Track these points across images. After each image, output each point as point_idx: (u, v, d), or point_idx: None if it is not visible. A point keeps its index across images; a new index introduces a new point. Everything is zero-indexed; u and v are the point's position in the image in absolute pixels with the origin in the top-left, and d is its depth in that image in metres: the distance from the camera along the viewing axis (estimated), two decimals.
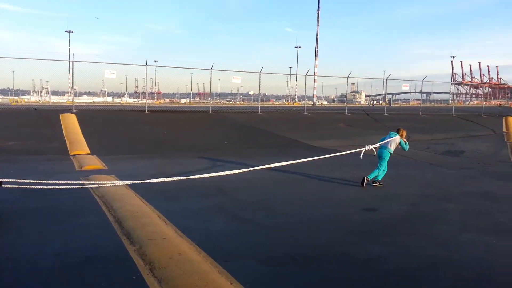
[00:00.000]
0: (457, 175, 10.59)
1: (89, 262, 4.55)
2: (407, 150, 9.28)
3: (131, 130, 17.70)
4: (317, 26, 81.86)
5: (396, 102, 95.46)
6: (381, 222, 6.40)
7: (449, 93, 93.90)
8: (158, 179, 7.23)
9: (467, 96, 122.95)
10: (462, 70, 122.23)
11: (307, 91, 34.08)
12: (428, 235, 5.75)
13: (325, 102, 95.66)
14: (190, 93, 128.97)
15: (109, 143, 15.25)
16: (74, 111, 19.73)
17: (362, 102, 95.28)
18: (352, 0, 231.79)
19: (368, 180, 8.85)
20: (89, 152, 13.66)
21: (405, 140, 9.16)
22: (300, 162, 8.88)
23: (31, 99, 68.63)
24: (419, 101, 48.14)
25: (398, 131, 9.16)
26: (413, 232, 5.89)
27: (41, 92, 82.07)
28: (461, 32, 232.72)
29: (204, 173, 8.95)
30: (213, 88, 25.68)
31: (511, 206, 7.33)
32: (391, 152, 9.01)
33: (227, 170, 7.87)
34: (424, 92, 45.97)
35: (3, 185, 5.61)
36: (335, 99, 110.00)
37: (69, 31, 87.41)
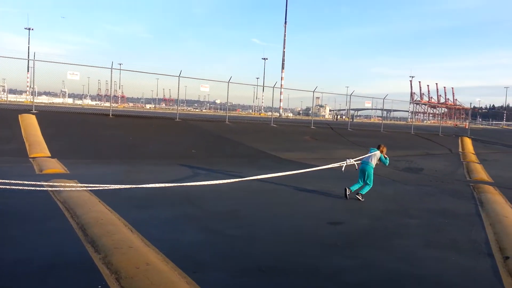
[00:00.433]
0: (417, 192, 11.03)
1: (52, 270, 4.38)
2: (387, 164, 9.59)
3: (95, 134, 17.20)
4: (284, 40, 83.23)
5: (358, 117, 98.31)
6: (347, 235, 6.57)
7: (408, 111, 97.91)
8: (145, 185, 7.08)
9: (425, 115, 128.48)
10: (420, 90, 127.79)
11: (274, 102, 34.50)
12: (390, 250, 5.96)
13: (290, 114, 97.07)
14: (156, 98, 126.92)
15: (71, 147, 14.75)
16: (34, 111, 18.96)
17: (326, 116, 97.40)
18: (318, 16, 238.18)
19: (351, 192, 9.10)
20: (49, 155, 13.15)
21: (385, 155, 9.45)
22: (286, 174, 8.98)
23: None
24: (380, 118, 49.86)
25: (378, 147, 9.46)
26: (377, 246, 6.08)
27: None
28: (420, 54, 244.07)
29: (173, 182, 8.88)
30: (180, 95, 25.51)
31: (467, 223, 7.72)
32: (373, 166, 9.29)
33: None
34: (385, 110, 47.72)
35: None
36: (301, 112, 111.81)
37: (29, 29, 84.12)
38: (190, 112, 60.44)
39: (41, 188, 7.51)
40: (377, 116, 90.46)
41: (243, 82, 60.58)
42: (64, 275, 4.29)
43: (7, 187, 5.90)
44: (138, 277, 4.29)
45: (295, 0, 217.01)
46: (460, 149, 25.96)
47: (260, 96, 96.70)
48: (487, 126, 66.22)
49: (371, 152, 9.41)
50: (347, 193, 9.14)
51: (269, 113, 39.34)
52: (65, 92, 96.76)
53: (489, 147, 29.05)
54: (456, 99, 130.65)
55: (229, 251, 5.50)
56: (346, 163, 9.37)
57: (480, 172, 16.23)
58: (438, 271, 5.18)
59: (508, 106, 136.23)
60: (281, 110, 77.58)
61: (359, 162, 9.43)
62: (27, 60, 25.21)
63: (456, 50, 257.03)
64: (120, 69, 27.64)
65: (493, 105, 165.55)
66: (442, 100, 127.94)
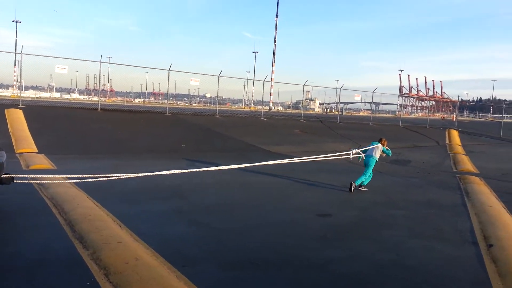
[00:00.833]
0: (404, 183, 11.17)
1: (40, 266, 4.36)
2: (390, 155, 10.21)
3: (83, 129, 17.03)
4: (275, 33, 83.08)
5: (347, 111, 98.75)
6: (336, 227, 6.64)
7: (396, 104, 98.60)
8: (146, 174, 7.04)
9: (413, 108, 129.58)
10: (409, 83, 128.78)
11: (264, 96, 34.48)
12: (378, 240, 6.04)
13: (280, 108, 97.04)
14: (145, 92, 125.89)
15: (59, 142, 14.59)
16: (21, 106, 18.68)
17: (316, 110, 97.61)
18: (309, 10, 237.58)
19: (356, 186, 9.35)
20: (36, 150, 13.00)
21: (387, 147, 9.87)
22: (286, 162, 9.00)
23: None
24: (369, 111, 50.14)
25: (380, 140, 9.87)
26: (365, 237, 6.16)
27: None
28: (409, 48, 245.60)
29: (161, 179, 8.83)
30: (170, 89, 25.35)
31: (453, 213, 7.85)
32: (377, 160, 9.63)
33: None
34: (374, 103, 47.97)
35: None
36: (291, 106, 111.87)
37: (16, 21, 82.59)
38: (179, 106, 60.03)
39: (28, 183, 7.42)
40: (366, 109, 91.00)
41: (233, 76, 60.39)
42: (52, 271, 4.27)
43: None
44: (127, 272, 4.28)
45: None
46: (447, 141, 26.30)
47: (250, 90, 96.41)
48: (474, 119, 67.08)
49: (372, 145, 9.74)
50: (352, 187, 9.32)
51: (259, 107, 39.31)
52: (52, 86, 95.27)
53: (476, 139, 29.47)
54: (444, 92, 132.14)
55: (219, 244, 5.52)
56: (353, 152, 9.87)
57: (466, 163, 16.49)
58: (425, 260, 5.27)
59: (495, 98, 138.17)
60: (271, 104, 77.53)
61: (363, 154, 9.79)
62: (14, 54, 24.68)
63: (445, 44, 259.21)
64: (109, 63, 27.29)
65: (480, 98, 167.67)
66: (430, 93, 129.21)
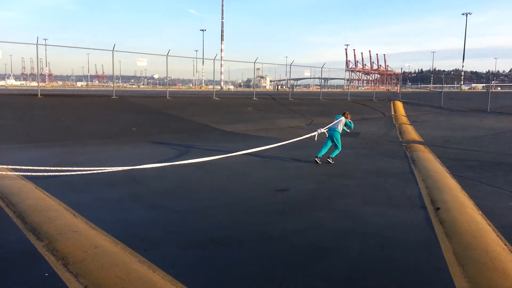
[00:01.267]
0: (354, 154, 11.61)
1: None
2: (352, 128, 10.72)
3: (23, 117, 15.98)
4: (222, 10, 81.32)
5: (298, 87, 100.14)
6: (293, 200, 6.80)
7: (344, 79, 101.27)
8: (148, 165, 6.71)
9: (360, 82, 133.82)
10: (354, 58, 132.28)
11: (214, 75, 34.01)
12: (335, 210, 6.28)
13: (232, 87, 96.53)
14: (88, 75, 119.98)
15: None
16: None
17: (267, 87, 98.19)
18: None
19: (332, 158, 10.03)
20: None
21: (350, 120, 10.47)
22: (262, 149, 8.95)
23: None
24: (319, 87, 51.18)
25: (343, 114, 10.44)
26: (322, 208, 6.37)
27: None
28: (353, 22, 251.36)
29: (113, 164, 8.56)
30: (115, 71, 24.33)
31: (401, 180, 8.30)
32: (340, 132, 10.20)
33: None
34: (323, 78, 48.96)
35: None
36: (242, 84, 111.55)
37: None
38: (127, 89, 57.90)
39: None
40: (315, 85, 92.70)
41: (182, 55, 58.86)
42: (7, 265, 4.06)
43: None
44: (87, 261, 4.16)
45: None
46: (392, 112, 27.52)
47: (200, 69, 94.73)
48: (416, 90, 70.52)
49: (336, 119, 10.28)
50: (317, 160, 9.88)
51: (210, 87, 38.87)
52: None
53: (419, 109, 31.08)
54: (387, 65, 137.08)
55: (179, 226, 5.48)
56: (318, 132, 10.36)
57: (411, 132, 17.39)
58: (379, 225, 5.56)
59: (435, 69, 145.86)
60: (222, 83, 76.75)
61: (327, 129, 10.31)
62: None
63: (386, 17, 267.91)
64: (45, 45, 25.18)
65: (421, 69, 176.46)
66: (375, 67, 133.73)
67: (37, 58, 20.89)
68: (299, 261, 4.38)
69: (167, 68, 25.85)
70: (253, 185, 7.91)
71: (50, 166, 7.54)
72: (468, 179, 8.34)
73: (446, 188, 7.49)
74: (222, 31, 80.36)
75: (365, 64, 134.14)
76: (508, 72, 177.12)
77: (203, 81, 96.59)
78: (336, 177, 8.68)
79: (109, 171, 7.88)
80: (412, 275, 4.10)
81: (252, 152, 10.12)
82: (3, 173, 7.78)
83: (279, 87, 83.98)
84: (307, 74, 39.43)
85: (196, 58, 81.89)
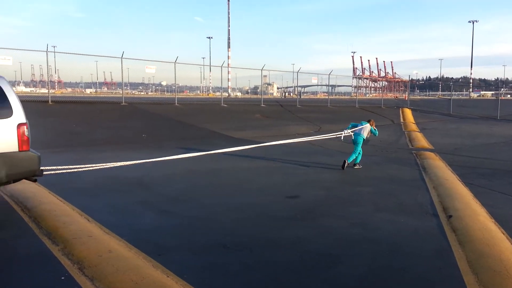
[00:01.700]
0: (365, 161, 11.54)
1: (10, 263, 4.19)
2: (377, 135, 11.12)
3: (35, 123, 16.01)
4: (228, 17, 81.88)
5: (305, 94, 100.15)
6: (303, 207, 6.80)
7: (351, 86, 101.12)
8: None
9: (367, 89, 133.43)
10: (362, 65, 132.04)
11: (222, 82, 34.27)
12: (345, 217, 6.27)
13: (239, 94, 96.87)
14: (96, 82, 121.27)
15: None
16: None
17: (275, 94, 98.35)
18: None
19: (348, 164, 10.10)
20: None
21: (374, 127, 10.74)
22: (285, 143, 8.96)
23: None
24: (326, 94, 51.19)
25: (369, 121, 10.73)
26: (333, 215, 6.37)
27: None
28: (360, 30, 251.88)
29: (128, 169, 8.63)
30: (124, 78, 24.56)
31: (413, 188, 8.27)
32: (364, 138, 10.49)
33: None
34: (330, 85, 48.95)
35: None
36: (249, 91, 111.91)
37: None
38: (135, 96, 58.40)
39: None
40: (322, 92, 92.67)
41: (190, 63, 59.32)
42: (23, 269, 4.12)
43: None
44: (102, 265, 4.20)
45: None
46: (401, 120, 27.42)
47: (207, 76, 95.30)
48: (424, 97, 70.23)
49: (362, 125, 10.55)
50: (345, 165, 10.04)
51: (218, 93, 39.06)
52: None
53: (428, 116, 30.92)
54: (395, 73, 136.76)
55: (190, 231, 5.52)
56: (344, 133, 10.77)
57: (421, 140, 17.32)
58: (391, 232, 5.54)
59: (443, 77, 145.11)
60: (229, 90, 77.09)
61: (352, 132, 10.62)
62: None
63: (393, 25, 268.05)
64: (55, 52, 25.41)
65: (429, 76, 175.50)
66: (382, 74, 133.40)
67: (47, 65, 21.21)
68: (309, 268, 4.38)
69: (175, 75, 26.11)
70: (263, 191, 7.93)
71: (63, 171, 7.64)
72: (480, 187, 8.28)
73: (458, 195, 7.45)
74: (228, 39, 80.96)
75: (373, 72, 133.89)
76: None
77: (210, 88, 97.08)
78: (346, 184, 8.67)
79: (119, 177, 7.97)
80: (425, 284, 4.08)
81: (262, 158, 10.16)
82: None
83: (287, 94, 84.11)
84: (314, 81, 39.44)
85: (204, 65, 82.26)
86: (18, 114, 5.70)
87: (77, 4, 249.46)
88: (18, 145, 5.59)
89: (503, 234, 5.42)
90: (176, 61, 24.54)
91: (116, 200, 7.00)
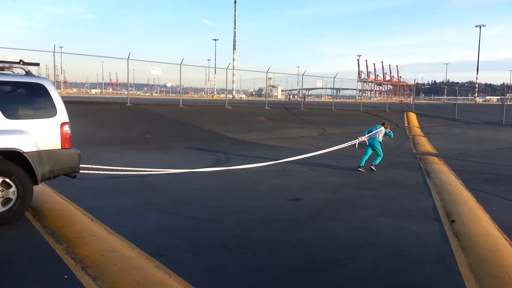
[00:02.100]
0: (369, 165, 11.54)
1: (13, 261, 4.23)
2: (392, 137, 11.46)
3: None
4: (234, 20, 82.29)
5: (310, 97, 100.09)
6: (307, 210, 6.81)
7: (356, 89, 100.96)
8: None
9: (372, 92, 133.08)
10: (367, 68, 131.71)
11: (227, 84, 34.33)
12: (348, 220, 6.27)
13: (243, 96, 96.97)
14: (102, 83, 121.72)
15: None
16: None
17: (279, 96, 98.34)
18: None
19: (375, 165, 10.61)
20: None
21: (389, 130, 11.06)
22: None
23: None
24: (331, 97, 51.13)
25: (383, 124, 11.03)
26: (335, 218, 6.38)
27: None
28: (366, 33, 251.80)
29: (130, 170, 8.69)
30: (129, 79, 24.68)
31: (416, 192, 8.25)
32: (380, 141, 10.77)
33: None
34: (335, 88, 48.95)
35: None
36: (254, 93, 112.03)
37: None
38: (140, 96, 58.62)
39: None
40: (327, 95, 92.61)
41: (195, 64, 59.52)
42: (27, 267, 4.16)
43: None
44: (105, 264, 4.24)
45: None
46: (406, 124, 27.35)
47: (212, 78, 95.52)
48: (429, 101, 69.98)
49: (376, 129, 10.80)
50: (361, 169, 10.36)
51: (222, 95, 39.13)
52: None
53: (432, 120, 30.82)
54: (400, 76, 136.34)
55: (194, 233, 5.54)
56: (359, 140, 11.06)
57: (425, 144, 17.26)
58: (394, 237, 5.54)
59: (448, 81, 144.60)
60: (234, 92, 77.23)
61: (367, 138, 10.82)
62: None
63: (398, 28, 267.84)
64: (62, 52, 25.58)
65: (435, 80, 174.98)
66: (388, 78, 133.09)
67: (54, 65, 21.36)
68: (312, 271, 4.39)
69: (180, 76, 26.13)
70: (267, 194, 7.94)
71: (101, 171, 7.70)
72: (484, 192, 8.25)
73: (461, 201, 7.43)
74: (234, 41, 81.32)
75: (378, 75, 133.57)
76: None
77: (215, 89, 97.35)
78: (350, 187, 8.67)
79: (123, 177, 8.00)
80: None
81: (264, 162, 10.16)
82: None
83: (291, 96, 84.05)
84: (319, 84, 39.41)
85: (209, 67, 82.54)
86: (62, 114, 6.01)
87: (87, 6, 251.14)
88: (61, 142, 5.93)
89: (506, 240, 5.40)
90: (182, 63, 24.64)
91: (120, 201, 7.02)
